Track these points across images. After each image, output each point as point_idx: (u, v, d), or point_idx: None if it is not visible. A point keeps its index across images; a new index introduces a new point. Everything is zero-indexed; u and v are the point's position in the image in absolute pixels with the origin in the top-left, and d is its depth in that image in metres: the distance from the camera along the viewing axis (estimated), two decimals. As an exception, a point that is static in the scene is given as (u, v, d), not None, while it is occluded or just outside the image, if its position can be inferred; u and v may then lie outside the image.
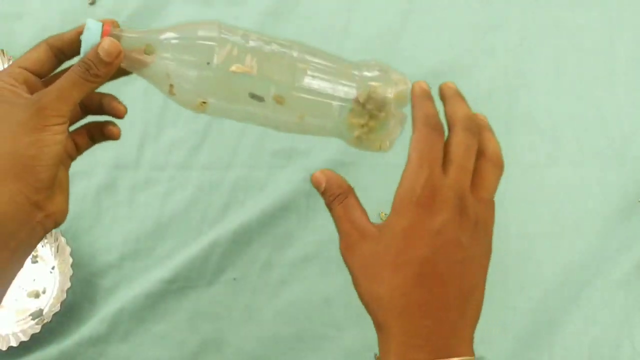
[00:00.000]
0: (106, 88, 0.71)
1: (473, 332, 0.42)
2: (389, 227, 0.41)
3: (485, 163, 0.43)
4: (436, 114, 0.43)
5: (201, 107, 0.45)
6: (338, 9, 0.75)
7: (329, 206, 0.45)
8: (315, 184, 0.45)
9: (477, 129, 0.44)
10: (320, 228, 0.65)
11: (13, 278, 0.44)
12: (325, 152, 0.68)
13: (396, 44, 0.73)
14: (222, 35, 0.44)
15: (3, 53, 0.72)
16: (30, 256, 0.65)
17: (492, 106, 0.70)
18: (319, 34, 0.74)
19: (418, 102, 0.44)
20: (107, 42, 0.43)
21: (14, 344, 0.61)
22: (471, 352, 0.41)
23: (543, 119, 0.69)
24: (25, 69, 0.45)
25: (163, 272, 0.64)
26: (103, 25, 0.44)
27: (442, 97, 0.46)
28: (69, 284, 0.62)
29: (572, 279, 0.63)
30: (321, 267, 0.65)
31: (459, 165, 0.42)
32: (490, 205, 0.44)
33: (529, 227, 0.65)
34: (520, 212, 0.66)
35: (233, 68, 0.44)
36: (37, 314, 0.63)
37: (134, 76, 0.71)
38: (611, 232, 0.65)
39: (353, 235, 0.42)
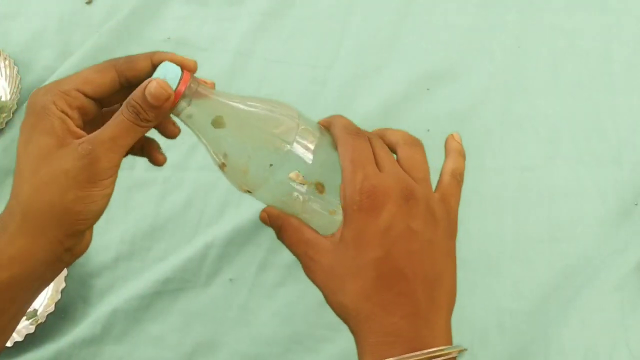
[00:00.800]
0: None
1: (449, 319, 0.42)
2: (341, 238, 0.41)
3: (402, 147, 0.44)
4: (352, 123, 0.44)
5: (244, 192, 0.44)
6: (335, 10, 0.75)
7: (280, 238, 0.45)
8: (263, 221, 0.46)
9: (374, 132, 0.45)
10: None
11: (24, 314, 0.43)
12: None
13: (393, 45, 0.73)
14: (295, 144, 0.42)
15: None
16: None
17: (489, 108, 0.70)
18: (316, 35, 0.74)
19: (333, 118, 0.45)
20: (154, 84, 0.39)
21: (8, 344, 0.61)
22: (448, 341, 0.41)
23: (540, 121, 0.69)
24: (84, 93, 0.41)
25: (158, 273, 0.63)
26: (182, 75, 0.40)
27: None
28: (63, 285, 0.62)
29: (568, 282, 0.63)
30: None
31: (386, 159, 0.42)
32: (428, 184, 0.43)
33: (525, 230, 0.65)
34: (516, 214, 0.66)
35: (292, 175, 0.42)
36: (32, 314, 0.63)
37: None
38: (608, 235, 0.65)
39: (309, 254, 0.43)
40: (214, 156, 0.43)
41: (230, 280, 0.64)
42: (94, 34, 0.73)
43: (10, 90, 0.70)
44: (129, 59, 0.42)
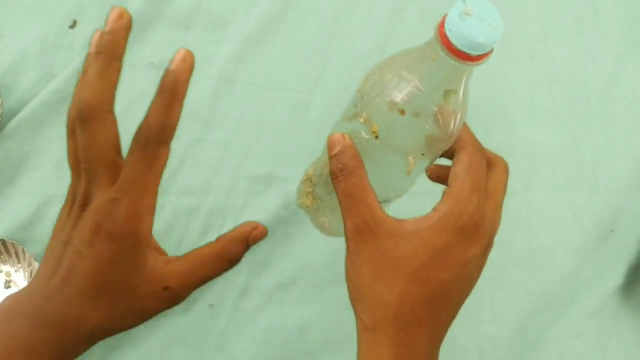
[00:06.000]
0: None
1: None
2: (421, 237, 0.39)
3: (502, 171, 0.45)
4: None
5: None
6: (318, 36, 0.75)
7: (335, 181, 0.41)
8: (329, 145, 0.41)
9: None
10: (297, 255, 0.65)
11: None
12: (303, 178, 0.68)
13: (375, 72, 0.74)
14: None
15: (-19, 75, 0.72)
16: (3, 281, 0.64)
17: (469, 135, 0.71)
18: (300, 59, 0.74)
19: (466, 128, 0.44)
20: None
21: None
22: None
23: (519, 147, 0.70)
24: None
25: (138, 298, 0.63)
26: None
27: None
28: (42, 310, 0.61)
29: (546, 307, 0.64)
30: (297, 295, 0.64)
31: (497, 204, 0.42)
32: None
33: (503, 256, 0.66)
34: (495, 239, 0.66)
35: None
36: (9, 340, 0.62)
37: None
38: (585, 261, 0.65)
39: (368, 221, 0.39)
40: None
41: (210, 305, 0.64)
42: (77, 57, 0.73)
43: (-8, 113, 0.70)
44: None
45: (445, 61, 0.37)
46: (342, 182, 0.40)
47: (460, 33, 0.36)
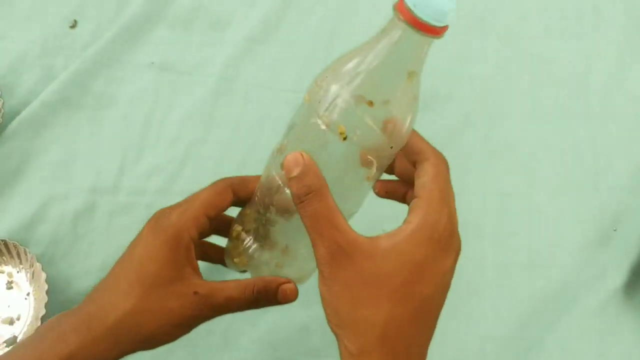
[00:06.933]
0: (85, 113, 0.71)
1: None
2: (399, 252, 0.37)
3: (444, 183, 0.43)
4: None
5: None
6: (319, 36, 0.76)
7: (301, 200, 0.38)
8: (287, 167, 0.38)
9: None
10: (299, 256, 0.65)
11: None
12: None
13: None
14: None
15: (-18, 76, 0.72)
16: (5, 282, 0.64)
17: (470, 135, 0.71)
18: (300, 60, 0.74)
19: (417, 135, 0.42)
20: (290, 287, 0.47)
21: (-14, 372, 0.60)
22: None
23: (520, 148, 0.70)
24: (208, 217, 0.46)
25: (140, 299, 0.63)
26: None
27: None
28: (44, 311, 0.61)
29: (548, 308, 0.64)
30: (300, 295, 0.64)
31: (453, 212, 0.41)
32: None
33: (505, 256, 0.66)
34: (497, 240, 0.66)
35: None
36: (12, 341, 0.62)
37: (114, 99, 0.72)
38: (587, 260, 0.65)
39: (341, 244, 0.37)
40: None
41: (213, 306, 0.64)
42: (78, 57, 0.73)
43: (-7, 114, 0.70)
44: (243, 180, 0.48)
45: (408, 40, 0.38)
46: (307, 206, 0.38)
47: (427, 5, 0.37)
